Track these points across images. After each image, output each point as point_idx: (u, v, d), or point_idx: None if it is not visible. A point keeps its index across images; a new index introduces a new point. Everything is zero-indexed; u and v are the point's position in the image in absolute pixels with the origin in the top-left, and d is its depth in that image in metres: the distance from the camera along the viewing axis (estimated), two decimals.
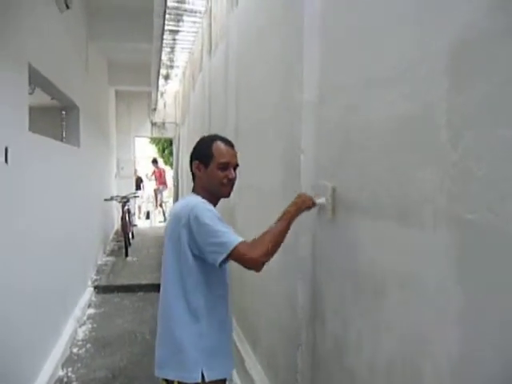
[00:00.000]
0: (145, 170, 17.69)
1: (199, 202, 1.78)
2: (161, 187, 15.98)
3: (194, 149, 1.96)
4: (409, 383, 1.41)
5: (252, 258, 1.64)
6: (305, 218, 2.06)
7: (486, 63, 1.09)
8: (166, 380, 1.81)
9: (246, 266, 1.68)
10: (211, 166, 1.85)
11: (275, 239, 1.69)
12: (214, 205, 1.91)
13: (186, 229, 1.71)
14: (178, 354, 1.78)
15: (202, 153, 1.89)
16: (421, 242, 1.34)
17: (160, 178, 15.98)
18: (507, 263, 1.02)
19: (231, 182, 1.88)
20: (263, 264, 1.67)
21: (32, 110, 3.51)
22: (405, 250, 1.44)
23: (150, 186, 16.90)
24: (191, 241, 1.72)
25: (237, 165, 1.93)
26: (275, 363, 2.88)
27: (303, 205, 1.85)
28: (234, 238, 1.67)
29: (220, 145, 1.88)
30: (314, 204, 1.92)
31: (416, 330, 1.38)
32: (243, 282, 3.75)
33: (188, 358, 1.76)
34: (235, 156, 1.92)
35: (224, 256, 1.65)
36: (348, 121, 1.89)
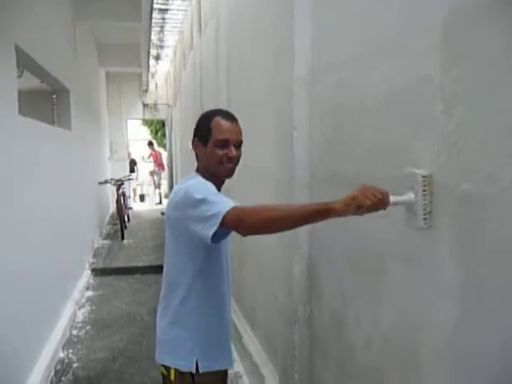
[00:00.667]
0: (138, 152, 17.59)
1: (196, 182, 1.67)
2: (157, 169, 15.91)
3: (196, 125, 1.81)
4: (406, 357, 1.44)
5: (240, 219, 1.45)
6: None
7: (479, 36, 1.08)
8: (164, 365, 1.78)
9: (234, 228, 1.51)
10: (209, 144, 1.70)
11: (276, 214, 1.42)
12: (218, 185, 1.77)
13: (182, 210, 1.62)
14: (175, 340, 1.75)
15: (201, 129, 1.75)
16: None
17: (156, 160, 15.89)
18: (504, 233, 1.02)
19: (231, 160, 1.70)
20: (248, 228, 1.47)
21: (22, 94, 3.45)
22: (401, 224, 1.44)
23: (144, 168, 16.83)
24: (187, 222, 1.60)
25: (240, 142, 1.74)
26: (273, 339, 2.92)
27: (352, 201, 1.27)
28: (223, 206, 1.49)
29: (219, 120, 1.71)
30: (383, 203, 1.27)
31: (413, 305, 1.39)
32: (241, 261, 3.77)
33: (183, 345, 1.73)
34: (237, 132, 1.73)
35: (215, 227, 1.47)
36: (341, 96, 1.88)
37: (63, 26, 5.53)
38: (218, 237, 1.52)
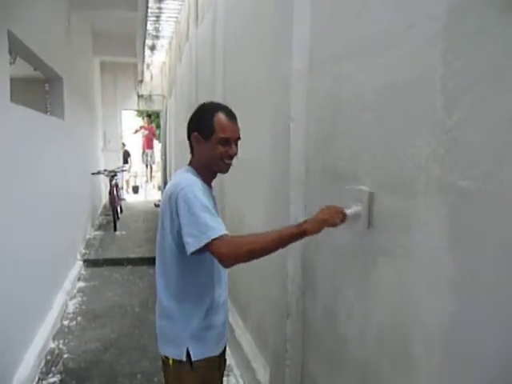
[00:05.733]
0: (132, 143, 17.48)
1: (189, 185, 1.65)
2: (149, 152, 15.92)
3: (193, 117, 1.81)
4: (398, 351, 1.43)
5: (223, 254, 1.55)
6: None
7: (486, 25, 1.05)
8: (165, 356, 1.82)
9: (217, 259, 1.59)
10: (211, 140, 1.72)
11: (257, 247, 1.55)
12: (211, 180, 1.83)
13: (173, 210, 1.65)
14: (166, 329, 1.80)
15: (202, 124, 1.75)
16: (413, 211, 1.33)
17: (151, 131, 15.90)
18: (501, 230, 1.01)
19: (231, 157, 1.77)
20: (230, 264, 1.58)
21: (15, 82, 3.39)
22: (397, 219, 1.43)
23: (137, 161, 16.78)
24: (176, 223, 1.65)
25: (238, 138, 1.80)
26: (265, 333, 2.92)
27: (324, 223, 1.57)
28: (209, 233, 1.56)
29: (222, 117, 1.73)
30: (344, 218, 1.61)
31: (407, 299, 1.38)
32: None
33: (174, 334, 1.78)
34: (238, 130, 1.79)
35: (196, 247, 1.56)
36: (338, 88, 1.85)
37: (58, 13, 5.45)
38: (196, 252, 1.60)
